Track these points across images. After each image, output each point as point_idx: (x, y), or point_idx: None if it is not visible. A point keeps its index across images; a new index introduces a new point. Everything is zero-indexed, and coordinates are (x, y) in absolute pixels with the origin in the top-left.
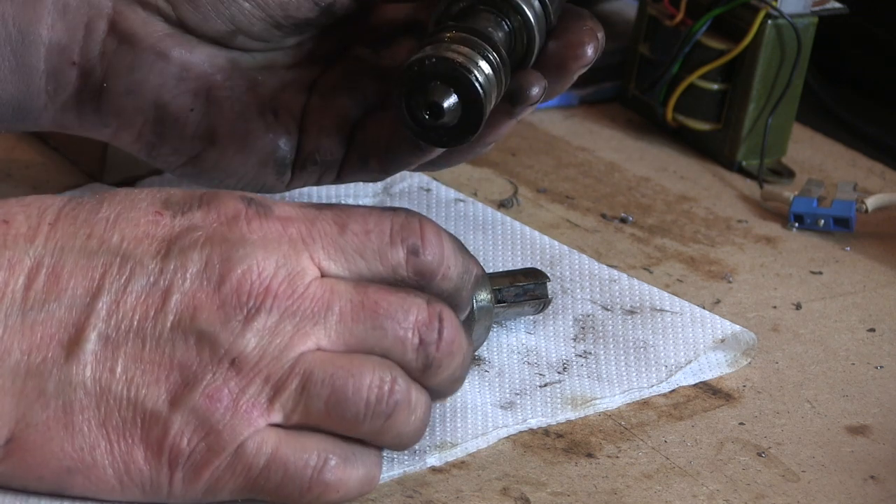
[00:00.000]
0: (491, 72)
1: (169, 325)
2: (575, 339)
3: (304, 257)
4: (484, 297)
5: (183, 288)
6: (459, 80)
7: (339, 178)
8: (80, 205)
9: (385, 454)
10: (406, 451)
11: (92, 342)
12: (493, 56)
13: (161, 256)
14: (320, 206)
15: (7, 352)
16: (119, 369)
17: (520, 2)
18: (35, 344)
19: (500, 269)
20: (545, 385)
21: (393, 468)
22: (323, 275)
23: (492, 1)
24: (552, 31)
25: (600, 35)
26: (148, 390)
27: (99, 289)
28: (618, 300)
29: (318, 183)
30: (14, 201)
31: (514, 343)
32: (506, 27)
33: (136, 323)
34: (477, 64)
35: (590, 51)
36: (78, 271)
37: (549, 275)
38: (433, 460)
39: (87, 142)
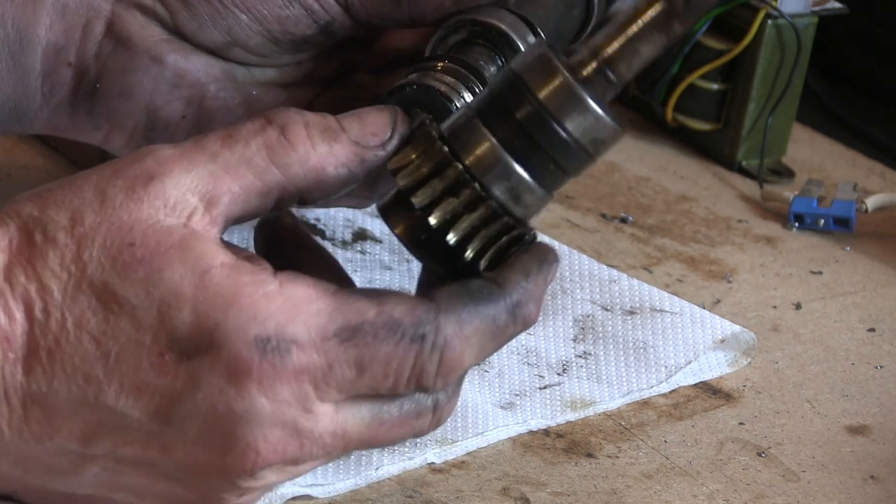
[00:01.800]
0: None
1: (171, 470)
2: (575, 340)
3: (317, 407)
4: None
5: (183, 451)
6: (437, 108)
7: (325, 203)
8: (83, 321)
9: (384, 447)
10: (406, 445)
11: (94, 475)
12: (479, 89)
13: (161, 419)
14: (348, 335)
15: (5, 477)
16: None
17: (515, 39)
18: (33, 470)
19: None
20: (545, 387)
21: (394, 462)
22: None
23: (487, 35)
24: None
25: None
26: None
27: (94, 439)
28: (618, 300)
29: (305, 206)
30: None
31: (513, 344)
32: (499, 63)
33: (133, 468)
34: (460, 95)
35: None
36: (72, 418)
37: None
38: (433, 456)
39: (86, 142)
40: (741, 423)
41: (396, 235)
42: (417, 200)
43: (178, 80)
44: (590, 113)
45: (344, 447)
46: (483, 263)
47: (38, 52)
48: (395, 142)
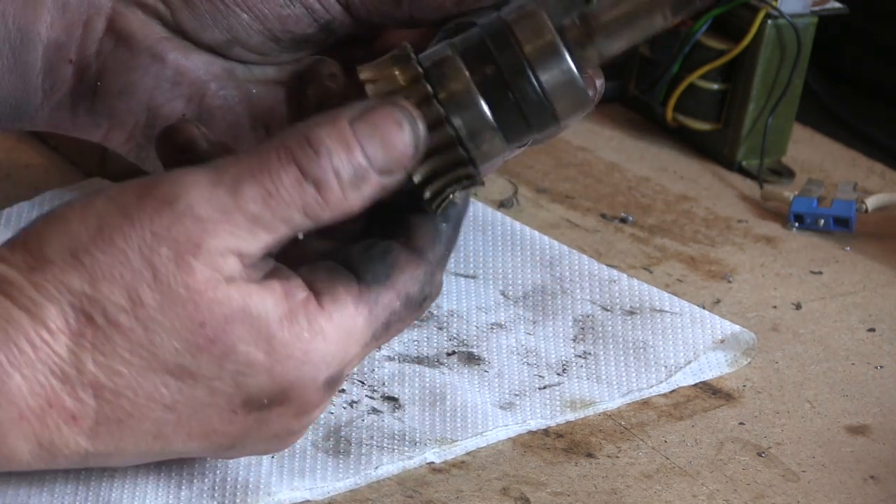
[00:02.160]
0: None
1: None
2: (574, 340)
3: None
4: None
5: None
6: None
7: None
8: (156, 396)
9: (384, 446)
10: (406, 445)
11: None
12: None
13: (224, 449)
14: (381, 332)
15: None
16: None
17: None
18: None
19: (500, 271)
20: (544, 387)
21: (394, 461)
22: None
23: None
24: None
25: (599, 82)
26: None
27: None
28: (617, 300)
29: None
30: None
31: (513, 343)
32: None
33: None
34: None
35: None
36: (133, 462)
37: (549, 275)
38: (432, 455)
39: (86, 142)
40: (741, 423)
41: None
42: None
43: (179, 79)
44: (566, 72)
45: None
46: (427, 193)
47: (39, 50)
48: (414, 162)
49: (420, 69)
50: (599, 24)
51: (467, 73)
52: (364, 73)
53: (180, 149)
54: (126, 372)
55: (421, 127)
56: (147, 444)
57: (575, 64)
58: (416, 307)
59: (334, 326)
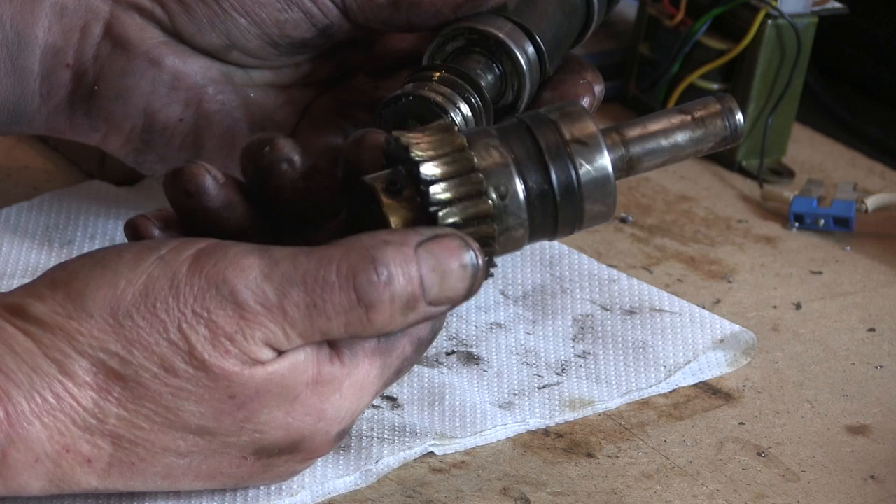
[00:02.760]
0: (470, 114)
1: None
2: (574, 340)
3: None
4: None
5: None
6: (433, 120)
7: None
8: (172, 447)
9: (384, 438)
10: (406, 436)
11: None
12: (476, 99)
13: (228, 488)
14: (392, 377)
15: None
16: None
17: (513, 48)
18: None
19: (499, 271)
20: (544, 387)
21: (394, 452)
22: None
23: (485, 44)
24: (548, 79)
25: (598, 88)
26: None
27: None
28: (617, 300)
29: None
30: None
31: (512, 343)
32: (496, 71)
33: None
34: (455, 105)
35: (584, 104)
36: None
37: (549, 275)
38: (433, 447)
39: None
40: (741, 423)
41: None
42: (438, 196)
43: (176, 83)
44: (604, 164)
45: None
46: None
47: (37, 54)
48: (465, 300)
49: (474, 158)
50: (634, 140)
51: (509, 157)
52: (411, 142)
53: (188, 193)
54: (147, 427)
55: (480, 263)
56: (155, 483)
57: (612, 163)
58: (425, 347)
59: (351, 383)
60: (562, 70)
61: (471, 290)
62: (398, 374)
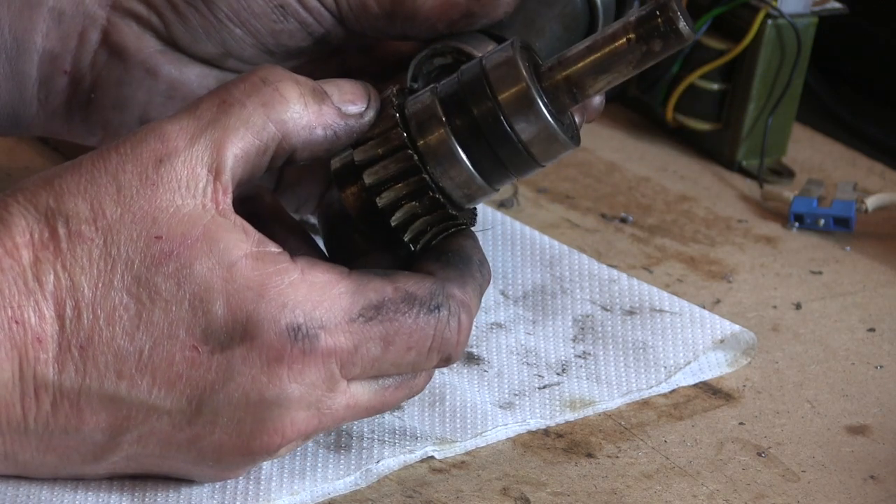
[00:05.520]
0: None
1: (194, 454)
2: (574, 340)
3: (341, 386)
4: None
5: (211, 438)
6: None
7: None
8: (115, 318)
9: (385, 440)
10: (407, 439)
11: (112, 462)
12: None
13: (193, 410)
14: (372, 314)
15: (39, 464)
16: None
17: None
18: (51, 454)
19: (500, 271)
20: (544, 387)
21: (395, 454)
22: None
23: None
24: None
25: (598, 100)
26: None
27: (121, 431)
28: (617, 300)
29: (297, 212)
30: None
31: (512, 343)
32: None
33: (155, 456)
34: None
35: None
36: (102, 412)
37: (549, 275)
38: (433, 451)
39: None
40: (741, 423)
41: (342, 199)
42: (369, 180)
43: (173, 92)
44: (541, 121)
45: (353, 416)
46: (418, 246)
47: (35, 59)
48: (371, 113)
49: (403, 134)
50: (576, 70)
51: (447, 128)
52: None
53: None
54: (85, 286)
55: (373, 88)
56: (112, 385)
57: (549, 111)
58: (426, 310)
59: (304, 279)
60: None
61: (370, 102)
62: (380, 311)
